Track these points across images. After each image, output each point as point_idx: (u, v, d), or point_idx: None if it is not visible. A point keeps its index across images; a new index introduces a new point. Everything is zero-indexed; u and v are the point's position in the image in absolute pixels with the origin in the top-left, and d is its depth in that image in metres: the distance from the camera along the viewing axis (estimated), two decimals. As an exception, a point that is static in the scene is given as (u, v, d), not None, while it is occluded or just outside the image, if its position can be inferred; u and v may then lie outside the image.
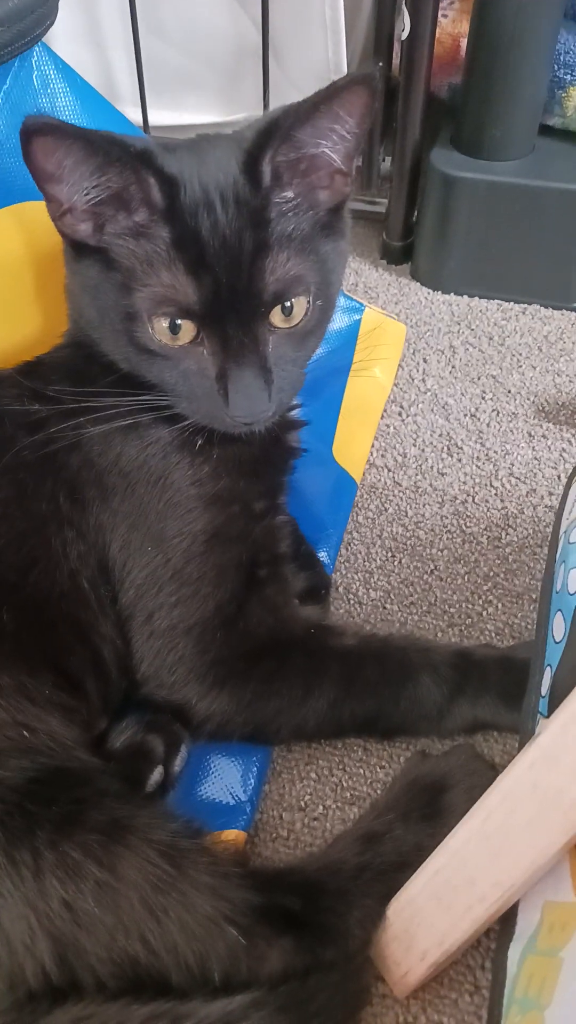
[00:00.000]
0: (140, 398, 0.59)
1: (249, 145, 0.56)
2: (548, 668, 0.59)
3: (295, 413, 0.72)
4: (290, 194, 0.57)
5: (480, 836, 0.48)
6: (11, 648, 0.56)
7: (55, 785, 0.51)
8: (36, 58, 0.71)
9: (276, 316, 0.58)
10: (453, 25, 1.07)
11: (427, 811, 0.58)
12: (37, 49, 0.70)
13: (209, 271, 0.55)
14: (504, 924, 0.52)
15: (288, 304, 0.57)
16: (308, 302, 0.59)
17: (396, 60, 1.06)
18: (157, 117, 1.15)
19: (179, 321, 0.56)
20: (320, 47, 1.02)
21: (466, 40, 1.07)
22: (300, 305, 0.58)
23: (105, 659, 0.61)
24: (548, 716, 0.57)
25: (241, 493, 0.64)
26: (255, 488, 0.65)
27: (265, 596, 0.64)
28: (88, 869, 0.47)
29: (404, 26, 0.96)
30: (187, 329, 0.57)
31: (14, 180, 0.71)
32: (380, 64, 1.02)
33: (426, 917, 0.51)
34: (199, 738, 0.63)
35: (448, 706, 0.64)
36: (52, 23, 0.69)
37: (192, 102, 1.15)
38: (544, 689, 0.59)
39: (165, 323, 0.56)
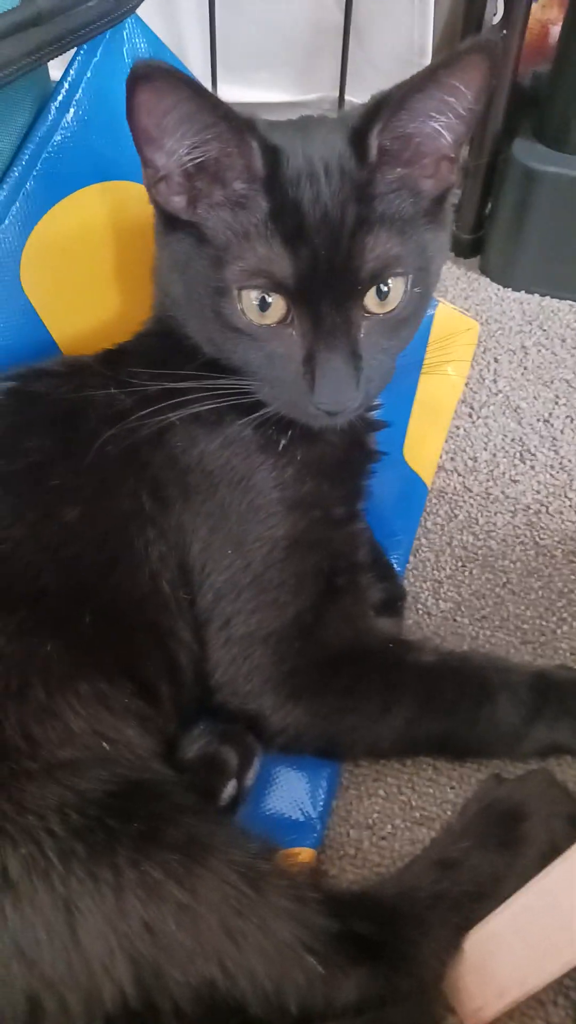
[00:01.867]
0: (221, 382, 0.57)
1: (358, 119, 0.53)
2: None
3: (375, 413, 0.70)
4: (396, 176, 0.54)
5: (578, 880, 0.46)
6: (90, 653, 0.54)
7: (133, 799, 0.49)
8: (128, 30, 0.68)
9: (371, 300, 0.54)
10: (543, 11, 1.03)
11: (504, 840, 0.56)
12: (129, 21, 0.67)
13: (307, 244, 0.52)
14: (588, 966, 0.51)
15: (385, 287, 0.54)
16: (406, 286, 0.55)
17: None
18: (226, 92, 1.12)
19: (270, 297, 0.54)
20: (406, 29, 0.98)
21: (556, 28, 1.03)
22: (397, 289, 0.55)
23: (181, 665, 0.59)
24: None
25: (323, 498, 0.62)
26: (337, 493, 0.63)
27: (343, 606, 0.62)
28: (169, 890, 0.46)
29: (497, 10, 0.92)
30: (277, 307, 0.54)
31: (101, 158, 0.68)
32: (504, 32, 0.96)
33: (508, 954, 0.50)
34: (271, 750, 0.61)
35: (525, 729, 0.62)
36: (143, -2, 0.66)
37: (264, 78, 1.12)
38: None
39: (255, 298, 0.54)
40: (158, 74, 0.49)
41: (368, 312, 0.55)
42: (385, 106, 0.51)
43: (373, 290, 0.54)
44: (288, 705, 0.59)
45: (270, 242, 0.53)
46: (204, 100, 0.50)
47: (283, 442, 0.60)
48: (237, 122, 0.51)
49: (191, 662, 0.60)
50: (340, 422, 0.58)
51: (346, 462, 0.65)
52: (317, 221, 0.52)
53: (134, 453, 0.58)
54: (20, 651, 0.52)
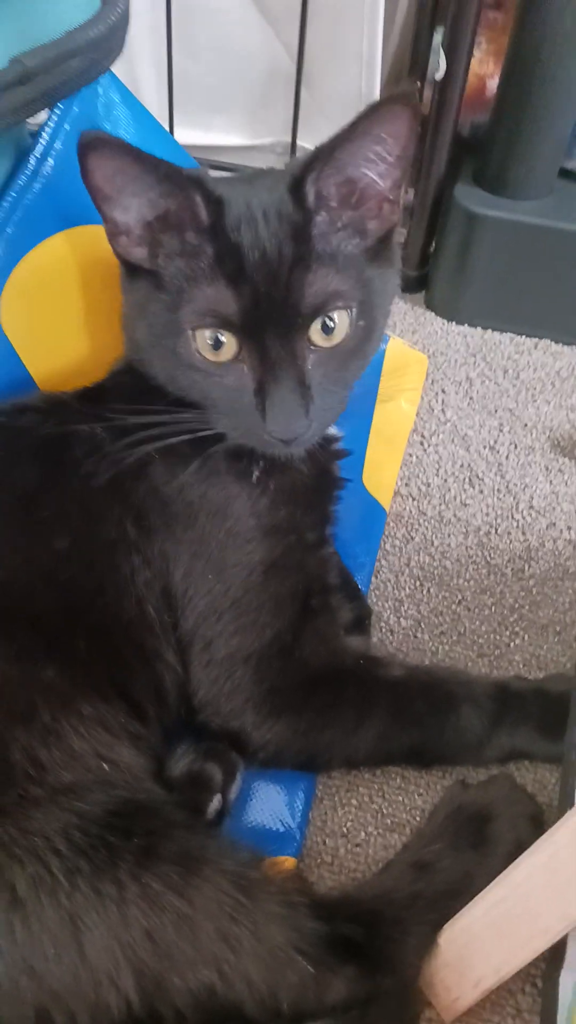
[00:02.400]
0: (185, 415, 0.60)
1: (296, 168, 0.58)
2: (592, 705, 0.62)
3: (338, 443, 0.74)
4: (337, 218, 0.58)
5: (546, 871, 0.50)
6: (86, 675, 0.57)
7: (131, 817, 0.51)
8: (102, 85, 0.71)
9: (316, 333, 0.58)
10: (480, 65, 1.10)
11: (474, 840, 0.60)
12: (104, 76, 0.71)
13: (249, 282, 0.56)
14: (554, 952, 0.55)
15: (330, 322, 0.58)
16: (350, 319, 0.59)
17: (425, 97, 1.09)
18: (183, 136, 1.16)
19: (221, 335, 0.57)
20: (354, 78, 1.04)
21: (492, 80, 1.11)
22: (342, 322, 0.58)
23: (167, 687, 0.62)
24: (595, 753, 0.60)
25: (296, 523, 0.66)
26: (308, 519, 0.67)
27: (318, 626, 0.65)
28: (168, 900, 0.48)
29: (439, 67, 0.98)
30: (229, 345, 0.57)
31: (78, 204, 0.71)
32: (417, 83, 1.03)
33: (483, 946, 0.54)
34: (252, 765, 0.64)
35: (488, 736, 0.67)
36: (119, 54, 0.70)
37: (219, 123, 1.16)
38: (588, 725, 0.62)
39: (208, 338, 0.57)
40: (101, 143, 0.54)
41: (315, 345, 0.58)
42: (319, 156, 0.56)
43: (318, 324, 0.58)
44: (269, 722, 0.63)
45: (215, 284, 0.57)
46: (145, 163, 0.54)
47: (256, 473, 0.64)
48: (179, 179, 0.55)
49: (175, 683, 0.62)
50: (296, 451, 0.62)
51: (315, 489, 0.69)
52: (257, 261, 0.56)
53: (118, 484, 0.61)
54: (23, 675, 0.54)
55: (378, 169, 0.58)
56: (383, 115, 0.55)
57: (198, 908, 0.49)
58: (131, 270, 0.61)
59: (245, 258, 0.56)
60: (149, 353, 0.62)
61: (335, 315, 0.58)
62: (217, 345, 0.57)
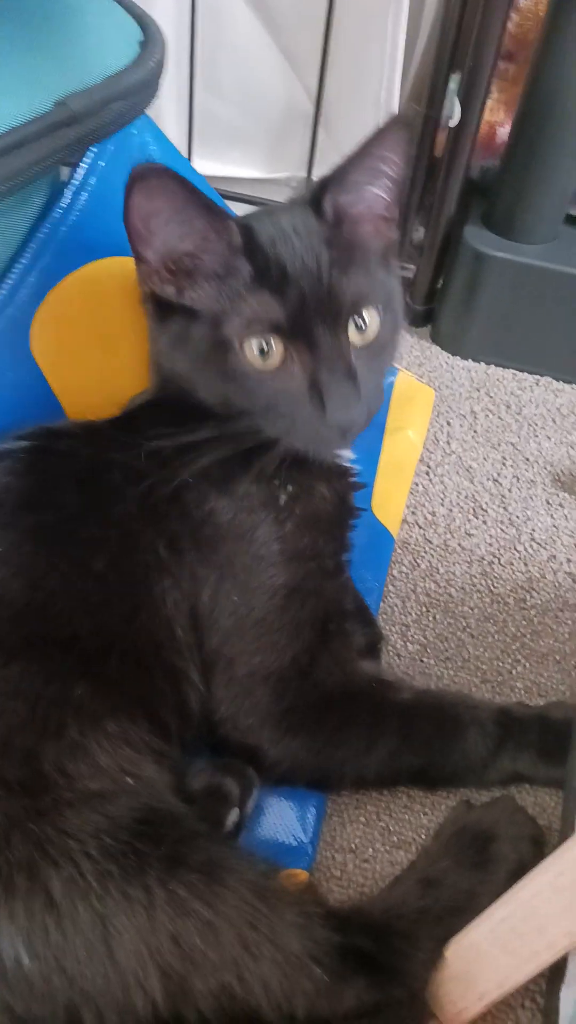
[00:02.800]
0: (237, 425, 0.64)
1: (314, 188, 0.65)
2: (593, 732, 0.65)
3: (355, 476, 0.77)
4: (352, 230, 0.65)
5: (552, 889, 0.53)
6: (117, 694, 0.59)
7: (157, 825, 0.54)
8: (137, 126, 0.75)
9: (352, 333, 0.63)
10: (491, 113, 1.15)
11: (478, 859, 0.63)
12: (140, 119, 0.74)
13: (293, 288, 0.61)
14: (555, 968, 0.57)
15: (361, 320, 0.63)
16: (379, 316, 0.64)
17: (440, 141, 1.13)
18: (201, 167, 1.20)
19: (270, 340, 0.61)
20: (371, 123, 1.07)
21: (502, 128, 1.16)
22: (372, 319, 0.63)
23: (191, 705, 0.64)
24: (597, 778, 0.62)
25: (318, 550, 0.69)
26: (329, 546, 0.70)
27: (334, 649, 0.68)
28: (193, 907, 0.50)
29: (454, 115, 1.02)
30: (277, 350, 0.61)
31: (108, 236, 0.74)
32: (418, 109, 1.10)
33: (489, 960, 0.56)
34: (268, 781, 0.67)
35: (492, 760, 0.69)
36: (155, 97, 0.74)
37: (237, 156, 1.20)
38: (589, 751, 0.64)
39: (255, 346, 0.61)
40: (153, 173, 0.58)
41: (352, 344, 0.63)
42: (334, 176, 0.64)
43: (352, 325, 0.63)
44: (285, 740, 0.65)
45: (259, 295, 0.61)
46: (191, 194, 0.59)
47: (283, 498, 0.67)
48: (216, 207, 0.61)
49: (198, 701, 0.65)
50: (349, 440, 0.67)
51: (336, 517, 0.72)
52: (299, 268, 0.61)
53: (153, 509, 0.64)
54: (57, 693, 0.57)
55: (382, 185, 0.65)
56: (385, 134, 0.63)
57: (221, 915, 0.51)
58: (162, 310, 0.65)
59: (287, 267, 0.61)
60: (193, 381, 0.66)
61: (366, 313, 0.63)
62: (265, 353, 0.61)
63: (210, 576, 0.65)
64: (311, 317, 0.61)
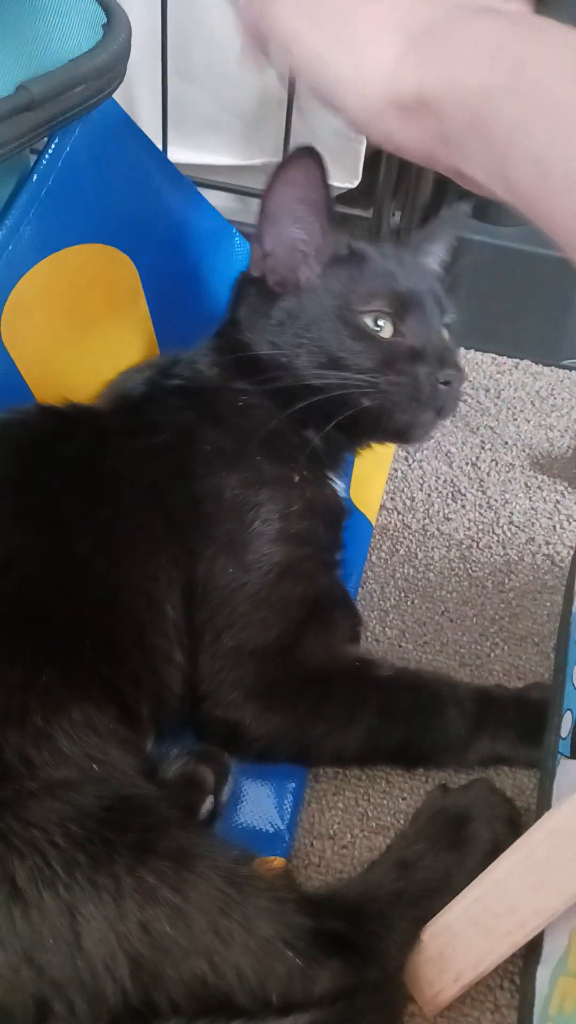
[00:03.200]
0: (338, 379, 0.70)
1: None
2: (568, 712, 0.65)
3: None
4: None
5: (524, 869, 0.53)
6: (85, 680, 0.59)
7: (126, 812, 0.53)
8: (102, 110, 0.74)
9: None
10: (466, 95, 1.14)
11: (453, 841, 0.63)
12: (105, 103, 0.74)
13: (406, 273, 0.75)
14: (531, 948, 0.57)
15: (447, 324, 0.77)
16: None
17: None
18: (176, 155, 1.19)
19: (385, 316, 0.72)
20: (344, 107, 1.07)
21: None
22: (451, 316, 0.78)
23: (170, 686, 0.65)
24: (571, 757, 0.62)
25: (317, 538, 0.71)
26: (327, 538, 0.73)
27: (319, 632, 0.69)
28: (163, 894, 0.50)
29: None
30: (388, 324, 0.72)
31: (75, 224, 0.74)
32: None
33: (463, 941, 0.56)
34: (248, 757, 0.67)
35: (471, 739, 0.70)
36: (121, 81, 0.73)
37: (212, 143, 1.19)
38: (565, 731, 0.64)
39: (373, 319, 0.72)
40: (309, 158, 0.70)
41: None
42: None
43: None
44: (267, 714, 0.66)
45: (384, 279, 0.74)
46: (326, 189, 0.72)
47: (297, 478, 0.70)
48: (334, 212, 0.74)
49: (179, 682, 0.65)
50: (436, 427, 0.76)
51: (336, 514, 0.75)
52: (408, 262, 0.78)
53: (152, 486, 0.66)
54: (22, 677, 0.56)
55: None
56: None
57: (191, 901, 0.51)
58: (265, 295, 0.75)
59: (400, 261, 0.76)
60: (299, 352, 0.72)
61: (447, 318, 0.77)
62: (380, 325, 0.71)
63: (207, 549, 0.66)
64: (421, 305, 0.72)
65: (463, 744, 0.69)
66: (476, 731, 0.69)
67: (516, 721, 0.70)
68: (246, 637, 0.66)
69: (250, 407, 0.73)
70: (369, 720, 0.67)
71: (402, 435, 0.76)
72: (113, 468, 0.66)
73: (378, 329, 0.71)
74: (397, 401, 0.71)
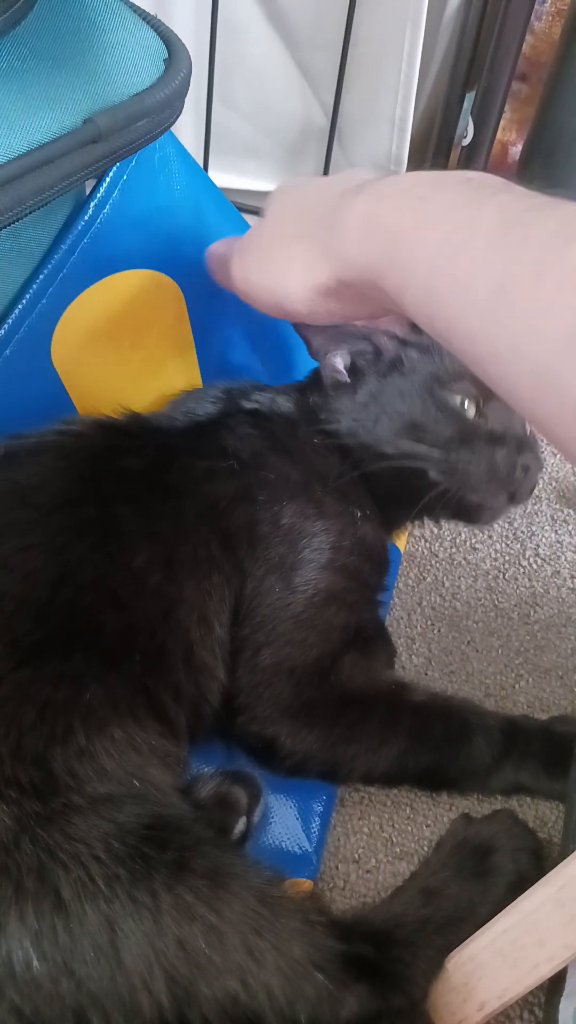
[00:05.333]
0: (418, 447, 0.70)
1: None
2: (597, 748, 0.66)
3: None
4: None
5: (554, 903, 0.54)
6: (130, 696, 0.60)
7: (164, 830, 0.54)
8: (159, 141, 0.76)
9: None
10: (503, 133, 1.16)
11: (478, 870, 0.64)
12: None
13: None
14: (554, 981, 0.58)
15: None
16: None
17: (453, 159, 1.15)
18: (216, 178, 1.21)
19: (473, 392, 0.71)
20: (385, 140, 1.10)
21: (513, 148, 1.17)
22: None
23: (209, 701, 0.66)
24: (599, 793, 0.63)
25: (365, 575, 0.73)
26: (372, 578, 0.75)
27: (357, 658, 0.71)
28: (199, 912, 0.51)
29: (468, 133, 1.04)
30: (476, 402, 0.72)
31: (129, 250, 0.76)
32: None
33: (489, 972, 0.57)
34: (279, 772, 0.69)
35: (495, 767, 0.71)
36: (179, 114, 0.75)
37: (252, 168, 1.22)
38: (591, 767, 0.65)
39: (460, 400, 0.71)
40: None
41: None
42: None
43: None
44: (302, 733, 0.68)
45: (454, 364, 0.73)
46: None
47: (358, 514, 0.72)
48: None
49: (219, 696, 0.67)
50: (507, 512, 0.81)
51: (383, 559, 0.77)
52: None
53: (213, 505, 0.68)
54: (66, 698, 0.57)
55: None
56: None
57: (226, 920, 0.52)
58: (343, 385, 0.75)
59: None
60: (379, 428, 0.72)
61: None
62: (465, 405, 0.71)
63: (258, 569, 0.68)
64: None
65: (487, 772, 0.71)
66: (501, 760, 0.71)
67: (541, 752, 0.71)
68: (286, 655, 0.68)
69: (323, 449, 0.75)
70: (401, 744, 0.69)
71: (470, 515, 0.77)
72: (176, 485, 0.68)
73: (463, 409, 0.71)
74: (470, 480, 0.71)
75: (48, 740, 0.56)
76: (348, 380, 0.74)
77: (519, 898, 0.56)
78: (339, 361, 0.74)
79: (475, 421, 0.71)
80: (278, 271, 0.60)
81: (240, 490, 0.69)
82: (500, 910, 0.57)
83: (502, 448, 0.71)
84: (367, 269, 0.51)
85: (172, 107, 0.72)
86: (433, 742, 0.70)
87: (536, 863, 0.65)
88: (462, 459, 0.70)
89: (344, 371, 0.74)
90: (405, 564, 0.93)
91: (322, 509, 0.71)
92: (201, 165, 1.19)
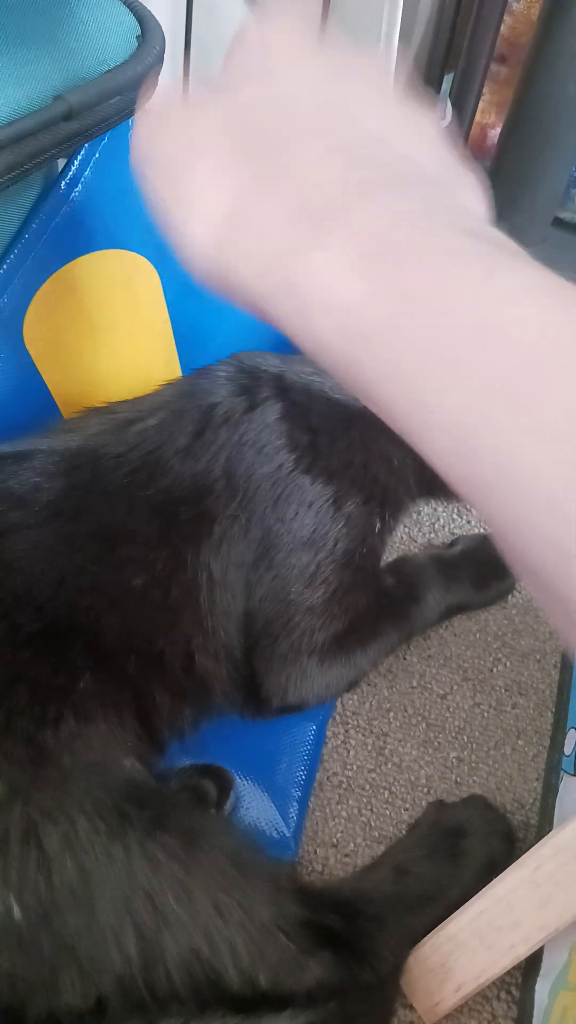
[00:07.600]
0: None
1: None
2: (572, 730, 0.67)
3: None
4: None
5: (530, 884, 0.54)
6: (116, 694, 0.60)
7: (144, 790, 0.56)
8: (132, 120, 0.75)
9: None
10: (482, 116, 1.15)
11: (450, 852, 0.64)
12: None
13: None
14: (530, 962, 0.59)
15: None
16: None
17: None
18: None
19: None
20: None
21: (492, 130, 1.17)
22: None
23: (211, 703, 0.68)
24: (575, 774, 0.64)
25: (370, 579, 0.77)
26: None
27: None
28: (169, 868, 0.52)
29: (446, 116, 1.03)
30: None
31: (102, 229, 0.75)
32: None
33: (465, 953, 0.57)
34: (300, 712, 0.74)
35: (441, 603, 0.82)
36: (154, 92, 0.74)
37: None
38: (568, 749, 0.66)
39: None
40: None
41: None
42: None
43: None
44: (323, 690, 0.74)
45: None
46: None
47: (378, 526, 0.73)
48: None
49: (220, 693, 0.68)
50: None
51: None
52: None
53: (211, 511, 0.66)
54: (63, 684, 0.57)
55: None
56: None
57: (195, 878, 0.52)
58: None
59: None
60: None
61: None
62: None
63: (268, 574, 0.68)
64: None
65: (437, 611, 0.82)
66: (444, 596, 0.82)
67: (469, 575, 0.84)
68: (299, 636, 0.70)
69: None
70: (393, 634, 0.78)
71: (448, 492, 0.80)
72: (185, 498, 0.67)
73: None
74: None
75: (38, 723, 0.56)
76: None
77: (495, 880, 0.57)
78: None
79: None
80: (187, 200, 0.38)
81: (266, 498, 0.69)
82: (471, 893, 0.58)
83: None
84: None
85: (146, 83, 0.71)
86: (407, 622, 0.80)
87: (508, 846, 0.66)
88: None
89: None
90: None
91: (350, 517, 0.71)
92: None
